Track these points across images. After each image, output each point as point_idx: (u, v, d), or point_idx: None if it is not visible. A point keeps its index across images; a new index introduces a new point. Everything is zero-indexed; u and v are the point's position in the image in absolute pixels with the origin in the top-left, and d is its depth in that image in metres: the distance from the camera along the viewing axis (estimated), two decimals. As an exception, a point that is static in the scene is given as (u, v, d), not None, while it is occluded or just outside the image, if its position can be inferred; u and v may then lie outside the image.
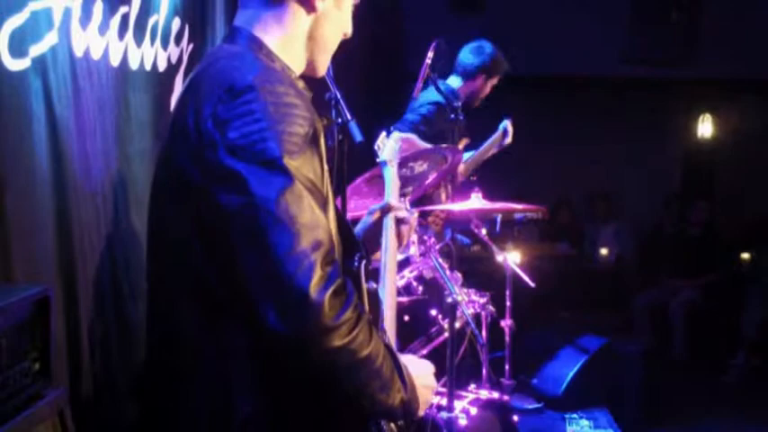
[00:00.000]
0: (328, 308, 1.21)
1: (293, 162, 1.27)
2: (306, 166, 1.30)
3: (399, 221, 1.94)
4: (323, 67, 1.59)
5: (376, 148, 2.15)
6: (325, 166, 1.45)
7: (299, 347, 1.23)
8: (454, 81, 4.25)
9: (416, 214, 2.10)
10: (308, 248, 1.23)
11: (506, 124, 4.27)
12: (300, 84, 1.51)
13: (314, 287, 1.20)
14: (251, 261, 1.25)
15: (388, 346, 1.40)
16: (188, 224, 1.36)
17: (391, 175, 2.10)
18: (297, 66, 1.54)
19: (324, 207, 1.36)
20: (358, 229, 1.97)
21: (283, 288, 1.21)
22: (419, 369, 1.50)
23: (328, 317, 1.21)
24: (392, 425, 1.56)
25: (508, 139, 4.27)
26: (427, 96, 4.01)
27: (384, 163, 2.12)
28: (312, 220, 1.26)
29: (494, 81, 4.28)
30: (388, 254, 1.89)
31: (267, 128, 1.28)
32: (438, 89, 3.85)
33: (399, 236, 1.95)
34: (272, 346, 1.27)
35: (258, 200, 1.24)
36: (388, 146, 2.14)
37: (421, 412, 1.49)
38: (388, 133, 2.23)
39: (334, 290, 1.23)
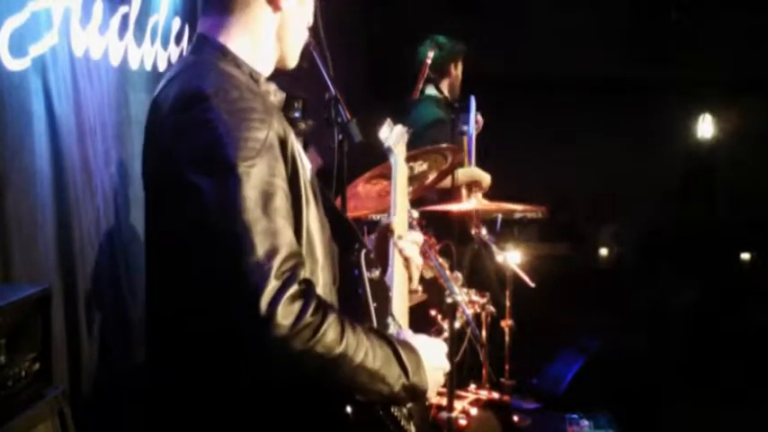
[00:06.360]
0: (281, 318, 1.20)
1: (251, 168, 1.26)
2: (266, 170, 1.28)
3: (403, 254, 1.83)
4: (293, 60, 1.60)
5: (380, 136, 2.03)
6: (303, 165, 1.44)
7: (261, 358, 1.23)
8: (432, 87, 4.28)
9: (420, 241, 1.92)
10: (261, 258, 1.21)
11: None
12: (272, 87, 1.51)
13: (264, 300, 1.19)
14: (206, 276, 1.25)
15: (381, 335, 1.39)
16: (162, 239, 1.39)
17: (399, 163, 1.99)
18: (266, 67, 1.54)
19: (297, 207, 1.37)
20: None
21: (234, 304, 1.21)
22: (430, 349, 1.49)
23: (282, 327, 1.20)
24: (402, 408, 1.55)
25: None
26: (420, 119, 4.03)
27: (390, 149, 2.01)
28: (268, 227, 1.24)
29: (461, 63, 4.32)
30: (395, 279, 1.78)
31: (222, 135, 1.27)
32: (432, 103, 4.00)
33: (408, 267, 1.85)
34: (239, 362, 1.27)
35: (213, 212, 1.24)
36: (395, 131, 2.03)
37: (432, 393, 1.48)
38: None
39: (288, 297, 1.21)
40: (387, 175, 2.77)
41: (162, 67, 2.89)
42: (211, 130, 1.27)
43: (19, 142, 2.13)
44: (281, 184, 1.31)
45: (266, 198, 1.27)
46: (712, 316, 6.04)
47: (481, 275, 3.91)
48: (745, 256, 6.77)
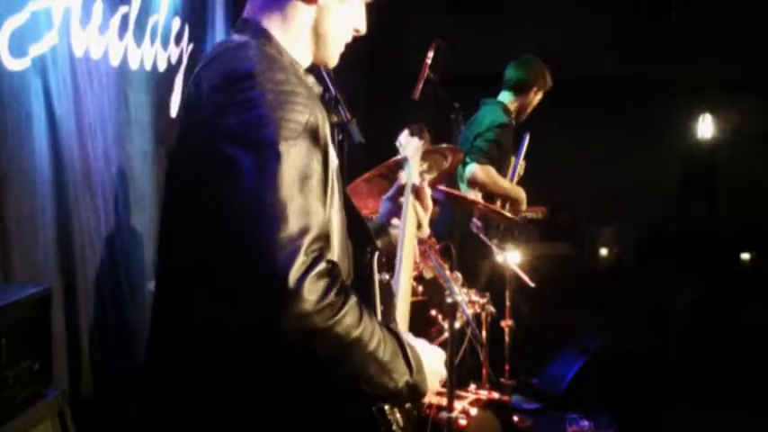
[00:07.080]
0: (307, 293, 1.21)
1: (290, 147, 1.28)
2: (305, 152, 1.30)
3: (417, 194, 1.90)
4: (332, 59, 1.60)
5: (397, 144, 2.10)
6: (333, 158, 1.45)
7: (279, 333, 1.23)
8: (506, 97, 4.30)
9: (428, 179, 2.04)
10: (294, 234, 1.23)
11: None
12: (310, 79, 1.53)
13: (293, 274, 1.21)
14: (237, 248, 1.26)
15: (390, 330, 1.40)
16: (192, 215, 1.38)
17: (412, 175, 2.01)
18: (304, 59, 1.55)
19: (325, 196, 1.37)
20: (379, 216, 1.97)
21: (263, 274, 1.22)
22: (429, 355, 1.50)
23: (307, 302, 1.21)
24: (396, 410, 1.55)
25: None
26: (491, 118, 4.09)
27: (406, 159, 2.05)
28: (303, 206, 1.26)
29: (540, 94, 4.33)
30: (407, 238, 1.84)
31: (265, 114, 1.29)
32: (504, 110, 4.11)
33: (419, 218, 1.91)
34: (257, 334, 1.28)
35: (251, 185, 1.25)
36: (412, 143, 2.08)
37: (426, 398, 1.49)
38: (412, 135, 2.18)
39: (315, 274, 1.23)
40: (386, 176, 2.77)
41: (162, 67, 2.89)
42: (255, 109, 1.29)
43: (19, 142, 2.13)
44: (317, 167, 1.33)
45: (303, 178, 1.28)
46: (712, 316, 6.04)
47: (498, 285, 3.92)
48: (745, 256, 6.76)
